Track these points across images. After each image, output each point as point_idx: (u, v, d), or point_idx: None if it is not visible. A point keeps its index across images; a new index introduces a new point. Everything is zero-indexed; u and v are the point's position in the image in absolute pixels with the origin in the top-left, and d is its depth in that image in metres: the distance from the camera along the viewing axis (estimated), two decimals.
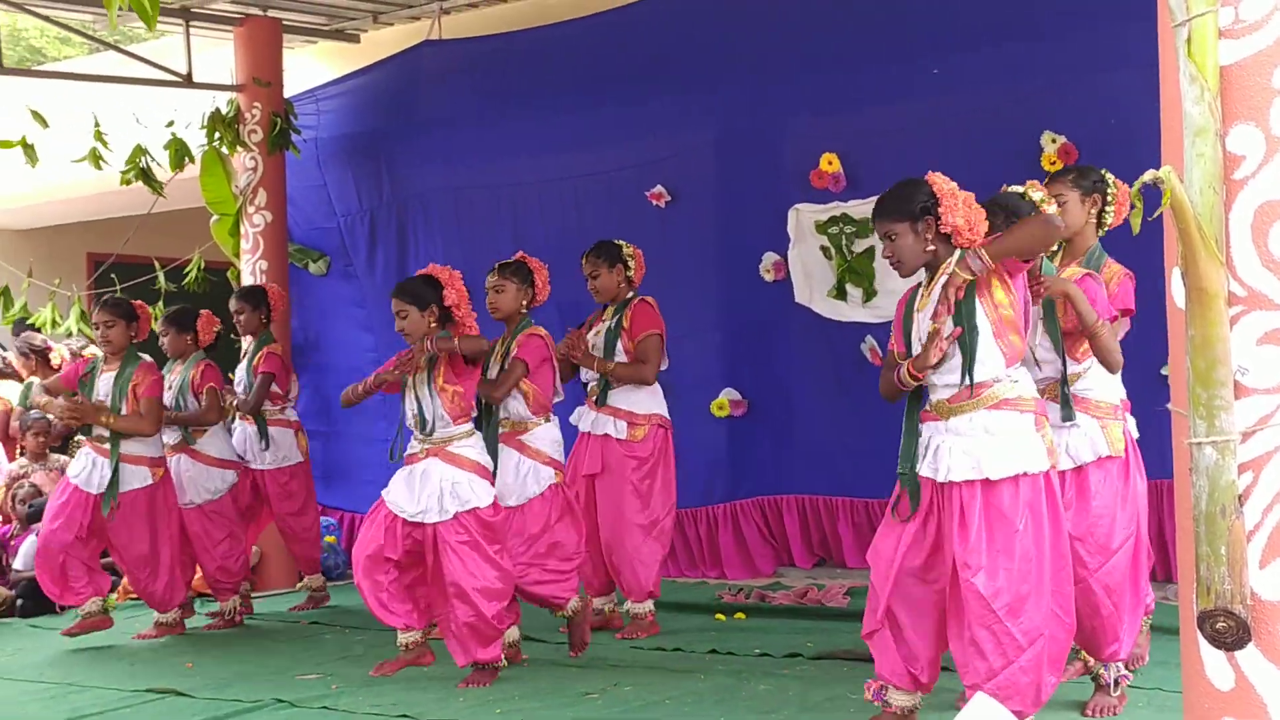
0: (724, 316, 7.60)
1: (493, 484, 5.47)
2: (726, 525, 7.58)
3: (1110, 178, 4.77)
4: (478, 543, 5.34)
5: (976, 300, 3.94)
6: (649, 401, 6.26)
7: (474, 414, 5.53)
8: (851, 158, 7.07)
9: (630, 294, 6.30)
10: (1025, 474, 3.90)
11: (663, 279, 7.72)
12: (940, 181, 4.06)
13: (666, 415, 6.30)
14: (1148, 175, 2.58)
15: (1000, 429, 3.93)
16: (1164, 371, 6.08)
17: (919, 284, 4.18)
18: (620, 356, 6.18)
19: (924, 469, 4.04)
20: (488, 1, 8.38)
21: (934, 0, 6.83)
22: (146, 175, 8.16)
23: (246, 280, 8.25)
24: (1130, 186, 2.86)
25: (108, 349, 6.65)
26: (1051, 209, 4.27)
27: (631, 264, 6.27)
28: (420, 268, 8.38)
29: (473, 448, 5.44)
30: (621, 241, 6.32)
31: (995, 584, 3.85)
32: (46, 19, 8.56)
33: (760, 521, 7.53)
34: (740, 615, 6.62)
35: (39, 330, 8.92)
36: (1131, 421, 4.67)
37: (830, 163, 7.11)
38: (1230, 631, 2.57)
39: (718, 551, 7.59)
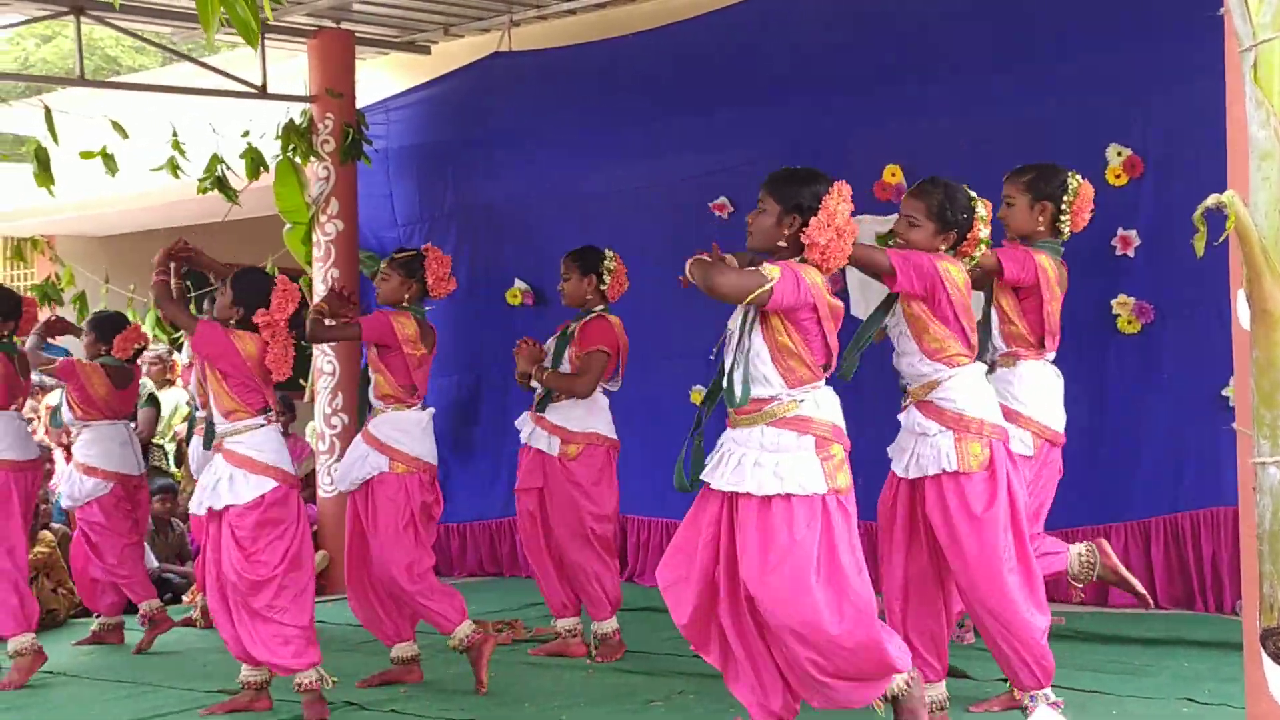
0: None
1: (278, 476, 5.26)
2: None
3: (1073, 184, 4.79)
4: (236, 539, 5.19)
5: (757, 326, 3.99)
6: (585, 418, 6.17)
7: (264, 407, 5.33)
8: (915, 169, 7.07)
9: (599, 306, 6.21)
10: (796, 495, 3.91)
11: None
12: (835, 195, 4.03)
13: (609, 434, 6.21)
14: (1211, 199, 2.61)
15: (778, 446, 3.96)
16: (1224, 393, 6.10)
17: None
18: (564, 368, 6.14)
19: (705, 473, 4.07)
20: (557, 14, 8.46)
21: (1000, 12, 6.83)
22: (222, 184, 8.32)
23: (319, 288, 8.39)
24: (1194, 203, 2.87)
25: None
26: (984, 232, 4.42)
27: (607, 278, 6.18)
28: (482, 276, 8.59)
29: (243, 443, 5.25)
30: (609, 251, 6.24)
31: (772, 605, 3.89)
32: (126, 31, 8.74)
33: None
34: None
35: None
36: (1027, 438, 4.70)
37: (893, 174, 7.12)
38: None
39: None
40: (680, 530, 4.17)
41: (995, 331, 4.84)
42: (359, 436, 5.84)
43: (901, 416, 4.42)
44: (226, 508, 5.23)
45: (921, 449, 4.30)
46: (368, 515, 5.71)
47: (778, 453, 3.96)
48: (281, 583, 5.24)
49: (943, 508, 4.25)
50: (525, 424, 6.29)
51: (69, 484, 6.93)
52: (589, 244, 6.37)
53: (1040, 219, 4.83)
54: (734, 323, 4.12)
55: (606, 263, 6.19)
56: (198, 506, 5.37)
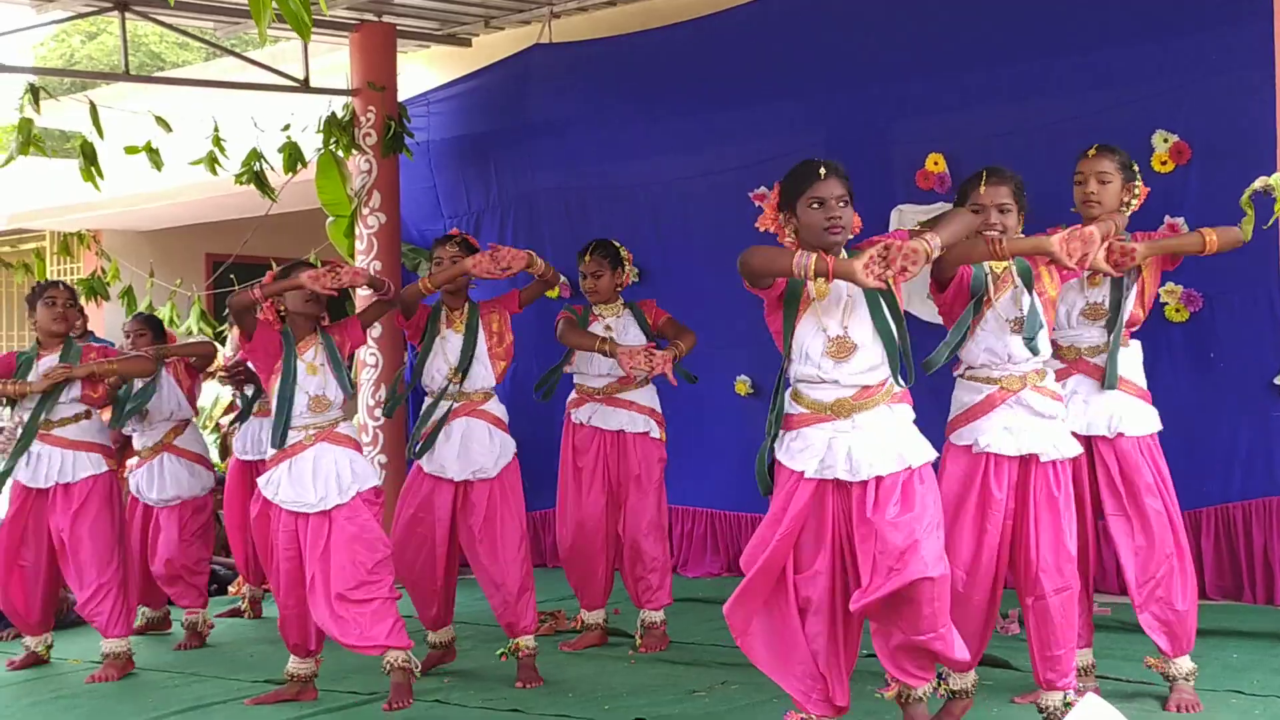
0: None
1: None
2: None
3: (1135, 169, 4.73)
4: (377, 517, 5.26)
5: (885, 312, 4.01)
6: (657, 400, 6.21)
7: None
8: (958, 158, 7.04)
9: (620, 297, 6.22)
10: (927, 463, 4.06)
11: None
12: None
13: None
14: (1258, 183, 2.58)
15: (904, 422, 4.06)
16: (1276, 381, 6.03)
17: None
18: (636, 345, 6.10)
19: (839, 472, 3.95)
20: (597, 5, 8.46)
21: (1043, 1, 6.78)
22: (259, 179, 8.36)
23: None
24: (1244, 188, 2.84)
25: None
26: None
27: (627, 267, 6.24)
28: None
29: (353, 428, 5.42)
30: (617, 243, 6.27)
31: (924, 560, 3.85)
32: (170, 26, 8.80)
33: None
34: None
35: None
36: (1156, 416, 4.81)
37: (936, 163, 7.08)
38: None
39: None
40: (765, 522, 4.11)
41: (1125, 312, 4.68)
42: (475, 420, 5.62)
43: (1028, 395, 4.29)
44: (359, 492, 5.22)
45: (1054, 431, 4.29)
46: (497, 503, 5.57)
47: (905, 426, 4.05)
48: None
49: (1066, 488, 4.28)
50: (599, 410, 6.17)
51: (194, 476, 6.85)
52: (623, 237, 6.40)
53: (1124, 199, 4.73)
54: (842, 325, 4.00)
55: (623, 252, 6.24)
56: (340, 495, 5.15)
